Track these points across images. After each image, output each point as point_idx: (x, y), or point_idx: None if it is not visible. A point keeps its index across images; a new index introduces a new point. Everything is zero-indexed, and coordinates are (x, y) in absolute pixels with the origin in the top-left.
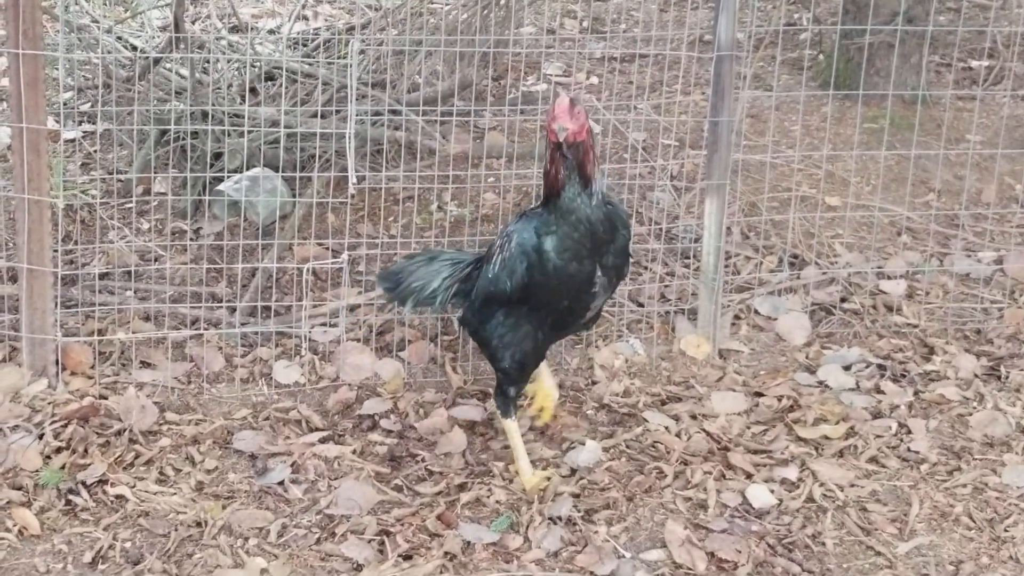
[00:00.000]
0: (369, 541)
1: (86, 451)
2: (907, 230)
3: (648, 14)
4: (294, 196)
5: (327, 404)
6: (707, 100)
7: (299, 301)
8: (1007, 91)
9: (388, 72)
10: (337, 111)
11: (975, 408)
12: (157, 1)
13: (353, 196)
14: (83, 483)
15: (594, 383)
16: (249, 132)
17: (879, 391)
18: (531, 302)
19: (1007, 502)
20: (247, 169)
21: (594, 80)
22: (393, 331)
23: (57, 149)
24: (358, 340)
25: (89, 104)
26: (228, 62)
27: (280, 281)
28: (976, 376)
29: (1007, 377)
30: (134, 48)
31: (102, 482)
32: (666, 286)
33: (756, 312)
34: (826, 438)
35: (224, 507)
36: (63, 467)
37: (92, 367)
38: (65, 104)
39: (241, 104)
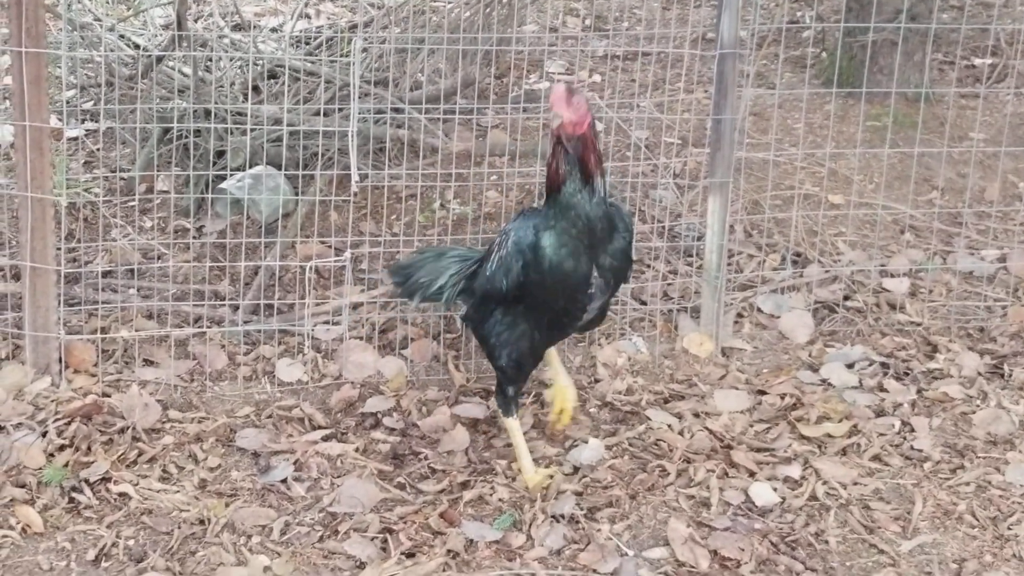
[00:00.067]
0: (372, 539)
1: (89, 449)
2: (910, 228)
3: (651, 12)
4: (297, 194)
5: (330, 402)
6: (710, 98)
7: (302, 299)
8: (1010, 89)
9: (391, 70)
10: (340, 109)
11: (978, 406)
12: None
13: (356, 194)
14: (86, 481)
15: (597, 381)
16: (252, 130)
17: (882, 389)
18: (527, 301)
19: (1010, 500)
20: (250, 167)
21: (597, 78)
22: (396, 329)
23: (60, 147)
24: (361, 338)
25: (92, 102)
26: (231, 60)
27: (283, 279)
28: (979, 374)
29: (1010, 375)
30: (137, 46)
31: (105, 480)
32: (669, 284)
33: (759, 310)
34: (829, 436)
35: (227, 505)
36: (66, 465)
37: (95, 365)
38: (68, 102)
39: (244, 102)
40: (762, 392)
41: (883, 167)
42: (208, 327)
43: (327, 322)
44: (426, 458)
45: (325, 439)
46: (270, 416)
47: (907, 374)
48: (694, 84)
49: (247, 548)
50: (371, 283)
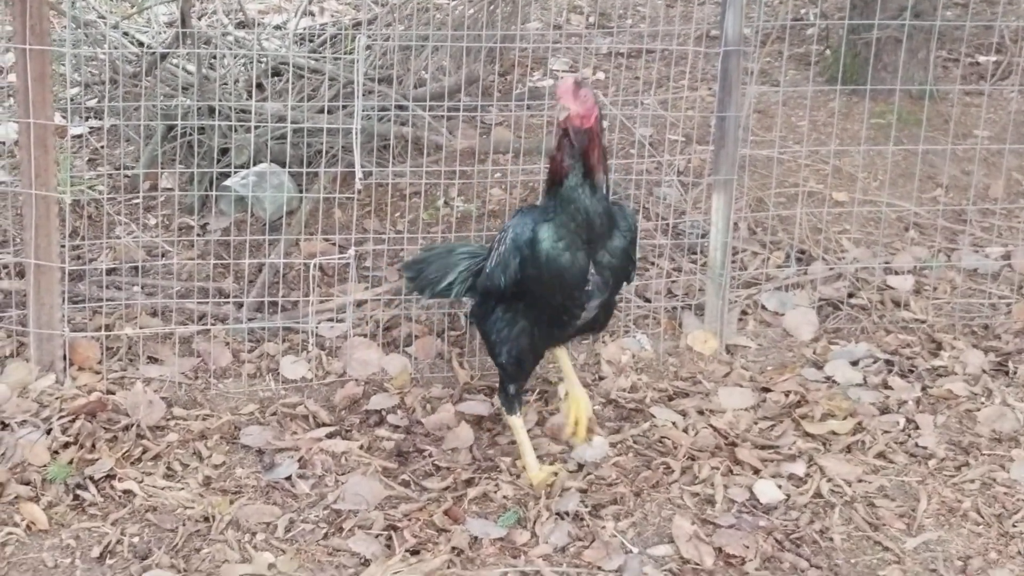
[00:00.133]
0: (376, 536)
1: (94, 446)
2: (914, 225)
3: (655, 9)
4: (301, 192)
5: (334, 399)
6: (714, 96)
7: (306, 297)
8: (1015, 86)
9: (394, 67)
10: (344, 106)
11: (983, 404)
12: None
13: (360, 192)
14: (91, 478)
15: (601, 378)
16: (256, 128)
17: (887, 387)
18: (526, 298)
19: (1015, 498)
20: (254, 165)
21: (601, 76)
22: (400, 327)
23: (64, 145)
24: (365, 335)
25: (96, 100)
26: (235, 58)
27: (287, 277)
28: (984, 371)
29: (1015, 373)
30: (141, 44)
31: (110, 477)
32: (673, 282)
33: (763, 308)
34: (834, 433)
35: (231, 502)
36: (71, 462)
37: (99, 362)
38: (72, 100)
39: (248, 100)
40: (766, 389)
41: (887, 164)
42: (212, 324)
43: (331, 319)
44: (430, 455)
45: (329, 436)
46: (274, 413)
47: (911, 371)
48: (698, 81)
49: (251, 545)
50: (375, 280)
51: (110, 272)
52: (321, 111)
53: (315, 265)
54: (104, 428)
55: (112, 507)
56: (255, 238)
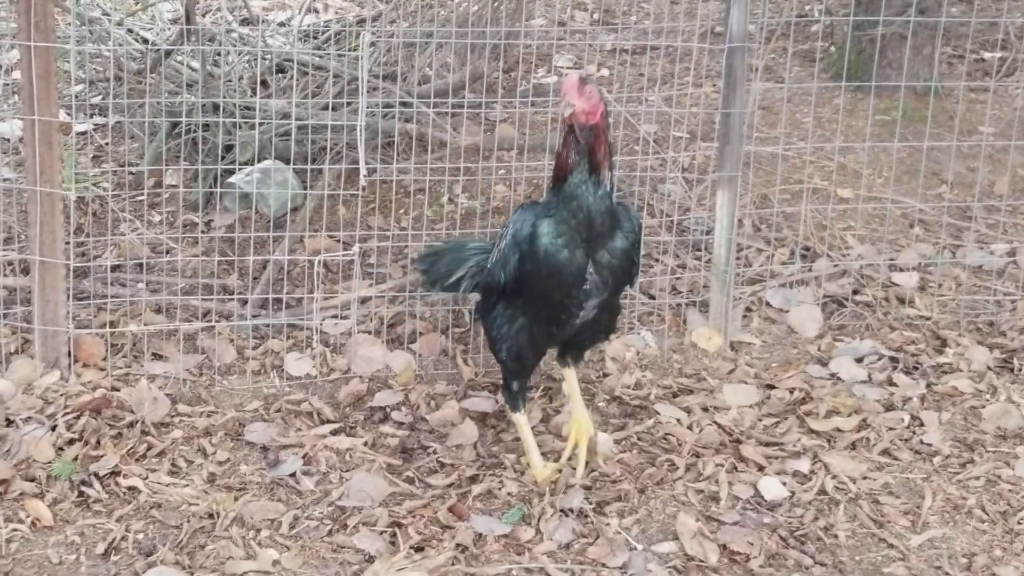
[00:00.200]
0: (381, 533)
1: (98, 443)
2: (919, 222)
3: (659, 6)
4: (305, 188)
5: (338, 396)
6: (718, 92)
7: (310, 293)
8: (1020, 82)
9: (399, 64)
10: (348, 103)
11: (988, 400)
12: None
13: (364, 188)
14: (95, 475)
15: (606, 375)
16: (260, 124)
17: (891, 383)
18: (525, 294)
19: (1020, 494)
20: (258, 162)
21: (605, 72)
22: (404, 323)
23: (69, 142)
24: (369, 332)
25: (100, 97)
26: (239, 55)
27: (291, 273)
28: (989, 368)
29: (1020, 369)
30: (145, 41)
31: (114, 474)
32: (677, 278)
33: (768, 304)
34: (838, 430)
35: (236, 499)
36: (76, 459)
37: (104, 359)
38: (77, 97)
39: (252, 96)
40: (771, 386)
41: (892, 161)
42: (217, 321)
43: (335, 316)
44: (435, 452)
45: (334, 433)
46: (279, 410)
47: (916, 368)
48: (703, 78)
49: (256, 542)
50: (379, 277)
51: (115, 269)
52: (325, 108)
53: (319, 262)
54: (109, 425)
55: (117, 503)
56: (259, 235)
